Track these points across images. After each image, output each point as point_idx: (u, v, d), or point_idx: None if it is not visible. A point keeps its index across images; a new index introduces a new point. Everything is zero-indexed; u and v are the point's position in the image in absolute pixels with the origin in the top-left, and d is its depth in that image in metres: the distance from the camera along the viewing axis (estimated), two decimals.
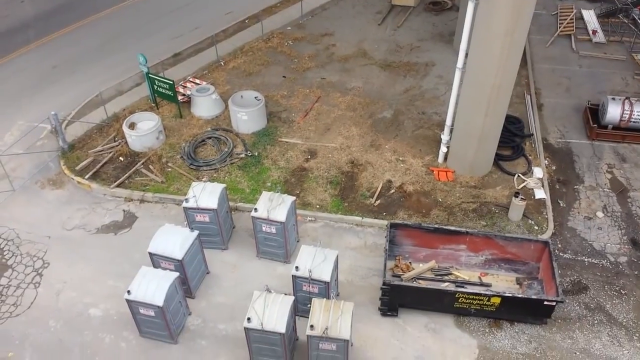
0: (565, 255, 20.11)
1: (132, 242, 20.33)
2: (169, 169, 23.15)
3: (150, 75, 25.12)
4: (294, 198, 19.20)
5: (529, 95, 27.21)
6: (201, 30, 31.42)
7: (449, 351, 17.35)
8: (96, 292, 18.88)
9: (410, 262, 19.31)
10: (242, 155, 23.67)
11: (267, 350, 16.18)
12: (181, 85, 26.75)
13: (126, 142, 23.95)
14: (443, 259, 19.29)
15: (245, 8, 33.26)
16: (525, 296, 17.55)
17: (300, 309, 17.50)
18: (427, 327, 17.97)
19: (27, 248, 20.34)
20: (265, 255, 19.80)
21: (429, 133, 24.82)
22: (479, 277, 19.02)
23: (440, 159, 23.26)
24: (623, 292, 18.96)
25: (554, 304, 17.14)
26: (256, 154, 23.75)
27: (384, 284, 17.48)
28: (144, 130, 23.66)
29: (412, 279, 18.65)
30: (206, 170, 23.05)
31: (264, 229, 18.90)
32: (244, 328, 15.67)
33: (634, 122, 24.06)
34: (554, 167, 23.52)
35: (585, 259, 20.04)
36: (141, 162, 23.34)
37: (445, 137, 22.66)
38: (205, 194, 19.11)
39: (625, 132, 24.44)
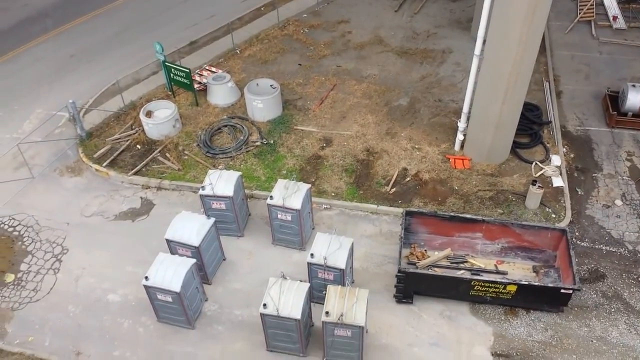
0: (582, 244, 19.95)
1: (149, 229, 20.53)
2: (186, 157, 23.29)
3: (166, 63, 25.23)
4: (309, 186, 19.23)
5: (548, 82, 26.88)
6: (217, 18, 31.45)
7: (464, 338, 17.35)
8: (114, 278, 19.13)
9: (425, 250, 19.28)
10: (258, 143, 23.73)
11: (282, 335, 16.31)
12: (197, 73, 26.84)
13: (143, 130, 24.13)
14: (459, 247, 19.23)
15: None
16: (542, 284, 17.46)
17: (315, 296, 17.58)
18: (442, 314, 17.97)
19: (47, 234, 20.64)
20: (281, 243, 19.89)
21: (446, 121, 24.67)
22: (495, 265, 18.95)
23: (457, 147, 23.13)
24: None
25: (571, 292, 17.04)
26: (272, 141, 23.80)
27: (399, 271, 17.48)
28: (161, 119, 23.82)
29: (427, 266, 18.63)
30: (222, 158, 23.16)
31: (279, 216, 18.97)
32: (260, 314, 15.81)
33: None
34: (572, 155, 23.27)
35: (603, 247, 19.86)
36: (158, 150, 23.51)
37: (462, 124, 22.50)
38: (222, 182, 19.22)
39: None
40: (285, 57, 28.95)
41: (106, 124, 24.89)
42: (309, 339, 17.09)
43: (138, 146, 23.81)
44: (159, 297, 16.86)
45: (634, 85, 23.92)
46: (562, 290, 17.08)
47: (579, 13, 31.61)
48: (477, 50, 20.42)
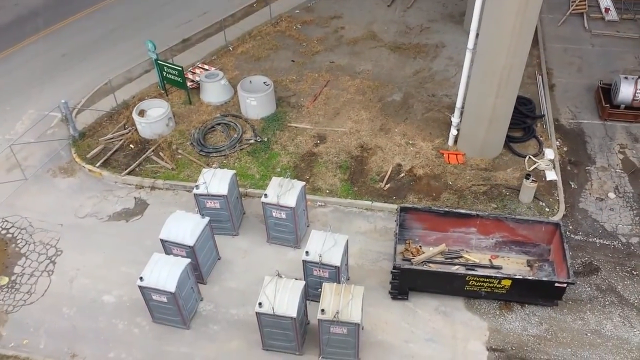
0: (576, 237, 20.01)
1: (143, 229, 20.49)
2: (179, 156, 23.23)
3: (159, 61, 25.12)
4: (303, 183, 19.21)
5: (541, 75, 26.89)
6: (209, 16, 31.31)
7: (460, 334, 17.40)
8: (109, 279, 19.09)
9: (420, 246, 19.30)
10: (252, 141, 23.68)
11: (278, 334, 16.32)
12: (190, 71, 26.73)
13: (136, 130, 24.04)
14: (453, 242, 19.26)
15: None
16: (536, 278, 17.52)
17: (311, 294, 17.60)
18: (437, 310, 18.01)
19: (40, 236, 20.58)
20: (276, 241, 19.88)
21: (439, 116, 24.66)
22: (490, 260, 18.98)
23: (451, 142, 23.13)
24: (635, 273, 18.85)
25: (565, 285, 17.09)
26: (265, 139, 23.76)
27: (394, 267, 17.51)
28: (154, 118, 23.74)
29: (422, 262, 18.66)
30: (216, 156, 23.11)
31: (274, 214, 18.95)
32: (256, 313, 15.81)
33: None
34: (565, 148, 23.31)
35: (597, 240, 19.92)
36: (151, 149, 23.44)
37: (455, 119, 22.50)
38: (216, 181, 19.18)
39: (638, 111, 24.06)
40: (278, 53, 28.87)
41: (99, 123, 24.79)
42: (305, 337, 17.10)
43: (131, 146, 23.73)
44: (154, 297, 16.84)
45: (626, 78, 23.95)
46: (557, 284, 17.14)
47: (571, 5, 31.56)
48: (470, 44, 20.40)
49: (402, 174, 22.16)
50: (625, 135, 23.81)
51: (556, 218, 20.20)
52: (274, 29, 30.65)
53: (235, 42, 29.66)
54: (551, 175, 21.82)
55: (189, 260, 17.18)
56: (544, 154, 22.67)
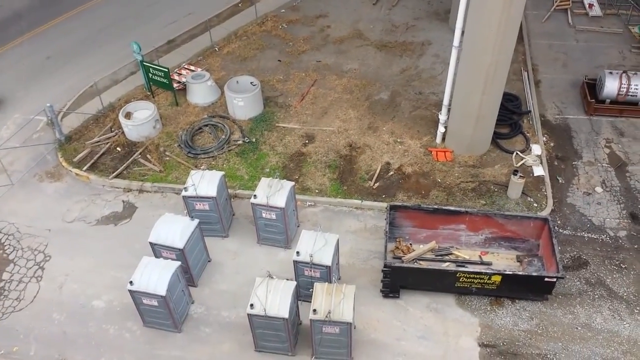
0: (564, 232, 20.16)
1: (132, 233, 20.36)
2: (167, 158, 23.10)
3: (144, 63, 24.97)
4: (293, 183, 19.19)
5: (526, 71, 27.05)
6: (195, 16, 31.14)
7: (451, 330, 17.48)
8: (98, 283, 18.95)
9: (410, 244, 19.34)
10: (240, 142, 23.61)
11: (270, 335, 16.30)
12: (176, 72, 26.59)
13: (123, 132, 23.88)
14: (443, 239, 19.33)
15: None
16: (526, 273, 17.62)
17: (302, 294, 17.60)
18: (428, 307, 18.07)
19: (28, 242, 20.38)
20: (266, 242, 19.84)
21: (427, 113, 24.73)
22: (480, 256, 19.07)
23: (438, 139, 23.21)
24: (623, 266, 19.04)
25: (555, 280, 17.22)
26: (254, 140, 23.69)
27: (385, 266, 17.55)
28: (141, 120, 23.58)
29: (413, 260, 18.70)
30: (204, 158, 23.01)
31: (263, 215, 18.91)
32: (247, 314, 15.78)
33: (631, 95, 23.93)
34: (552, 144, 23.47)
35: (585, 235, 20.09)
36: (139, 152, 23.29)
37: (442, 117, 22.57)
38: (204, 182, 19.10)
39: (623, 106, 24.33)
40: (265, 53, 28.80)
41: (85, 127, 24.57)
42: (297, 337, 17.09)
43: (118, 149, 23.56)
44: (145, 301, 16.74)
45: (610, 72, 24.17)
46: (546, 279, 17.27)
47: (555, 2, 31.79)
48: (456, 42, 20.49)
49: (391, 172, 22.20)
50: (610, 130, 24.02)
51: (544, 213, 20.34)
52: (260, 29, 30.57)
53: (221, 42, 29.55)
54: (538, 170, 21.95)
55: (179, 263, 17.09)
56: (531, 150, 22.82)
